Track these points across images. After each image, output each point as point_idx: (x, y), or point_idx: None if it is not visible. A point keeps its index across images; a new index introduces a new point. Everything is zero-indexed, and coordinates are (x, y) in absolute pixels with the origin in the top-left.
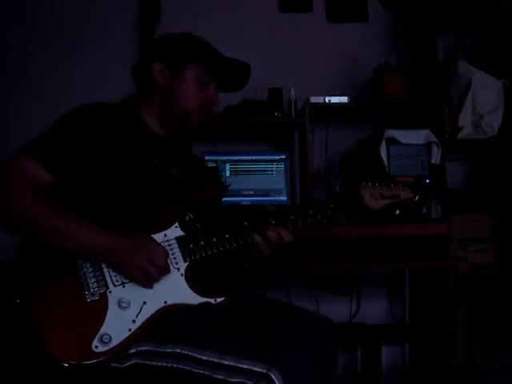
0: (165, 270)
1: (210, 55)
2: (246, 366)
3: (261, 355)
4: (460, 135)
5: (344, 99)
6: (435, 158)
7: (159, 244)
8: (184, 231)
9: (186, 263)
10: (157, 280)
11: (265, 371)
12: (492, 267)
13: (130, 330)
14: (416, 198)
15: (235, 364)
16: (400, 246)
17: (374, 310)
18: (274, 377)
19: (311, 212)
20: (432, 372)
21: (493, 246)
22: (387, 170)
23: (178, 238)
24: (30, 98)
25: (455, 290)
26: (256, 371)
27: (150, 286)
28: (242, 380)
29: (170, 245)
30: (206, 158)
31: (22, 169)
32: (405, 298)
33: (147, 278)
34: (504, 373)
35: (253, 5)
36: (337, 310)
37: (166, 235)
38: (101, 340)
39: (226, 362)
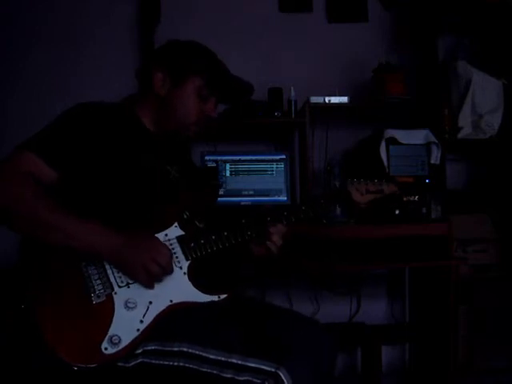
0: (168, 270)
1: (213, 70)
2: (253, 365)
3: (268, 354)
4: (460, 135)
5: (344, 99)
6: (435, 158)
7: (163, 244)
8: (184, 230)
9: (188, 262)
10: (160, 280)
11: (273, 370)
12: (492, 267)
13: (138, 329)
14: (414, 196)
15: (243, 362)
16: (400, 246)
17: (374, 310)
18: (282, 376)
19: (303, 208)
20: (432, 372)
21: (493, 246)
22: (387, 170)
23: (178, 238)
24: (30, 98)
25: (455, 290)
26: (264, 370)
27: (152, 287)
28: (250, 378)
29: (171, 244)
30: (206, 158)
31: (23, 164)
32: (405, 298)
33: (151, 277)
34: (504, 373)
35: (253, 5)
36: (337, 309)
37: (166, 235)
38: (110, 341)
39: (234, 361)
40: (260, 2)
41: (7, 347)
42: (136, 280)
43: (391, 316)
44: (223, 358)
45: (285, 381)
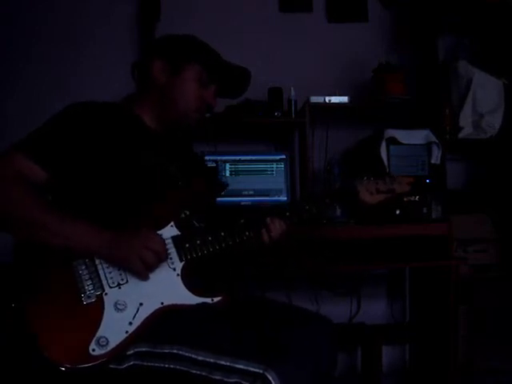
0: (162, 257)
1: (211, 57)
2: (242, 367)
3: (257, 355)
4: (460, 135)
5: (344, 99)
6: (435, 158)
7: (155, 232)
8: (180, 230)
9: (182, 263)
10: (155, 268)
11: (261, 371)
12: (492, 267)
13: (127, 332)
14: (414, 196)
15: (231, 364)
16: (400, 245)
17: (374, 310)
18: (270, 377)
19: (307, 208)
20: (432, 372)
21: (493, 245)
22: (387, 170)
23: (173, 238)
24: (30, 98)
25: (455, 290)
26: (252, 371)
27: (147, 276)
28: (239, 380)
29: (167, 253)
30: (206, 158)
31: (15, 165)
32: (405, 298)
33: (146, 265)
34: (504, 373)
35: (253, 5)
36: (337, 310)
37: (162, 235)
38: (98, 343)
39: (223, 363)
40: (260, 2)
41: (7, 347)
42: (131, 271)
43: (391, 316)
44: (212, 360)
45: (272, 381)
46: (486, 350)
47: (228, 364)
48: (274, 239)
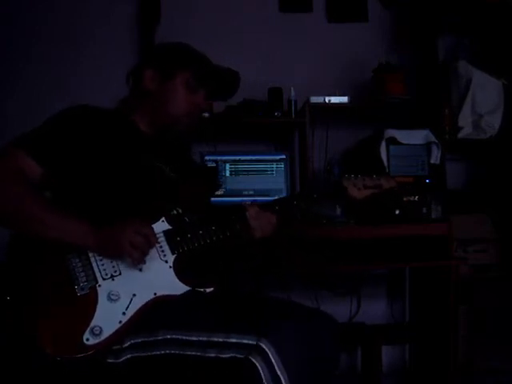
0: (152, 239)
1: (199, 63)
2: (235, 340)
3: (249, 328)
4: (460, 135)
5: (344, 99)
6: (435, 158)
7: (142, 221)
8: (171, 225)
9: (174, 255)
10: (147, 252)
11: (254, 342)
12: (492, 267)
13: (120, 322)
14: (414, 196)
15: (224, 340)
16: (400, 245)
17: (374, 310)
18: (264, 346)
19: (295, 203)
20: (432, 372)
21: (493, 245)
22: (387, 169)
23: (165, 232)
24: (30, 98)
25: (455, 290)
26: (246, 344)
27: (140, 260)
28: (234, 354)
29: (157, 238)
30: (206, 158)
31: (16, 162)
32: (405, 298)
33: (136, 248)
34: (504, 373)
35: (253, 5)
36: (337, 310)
37: (153, 229)
38: (92, 332)
39: (216, 339)
40: (260, 2)
41: (7, 347)
42: (123, 256)
43: (391, 316)
44: (205, 338)
45: (267, 351)
46: (486, 349)
47: (221, 340)
48: (263, 230)
